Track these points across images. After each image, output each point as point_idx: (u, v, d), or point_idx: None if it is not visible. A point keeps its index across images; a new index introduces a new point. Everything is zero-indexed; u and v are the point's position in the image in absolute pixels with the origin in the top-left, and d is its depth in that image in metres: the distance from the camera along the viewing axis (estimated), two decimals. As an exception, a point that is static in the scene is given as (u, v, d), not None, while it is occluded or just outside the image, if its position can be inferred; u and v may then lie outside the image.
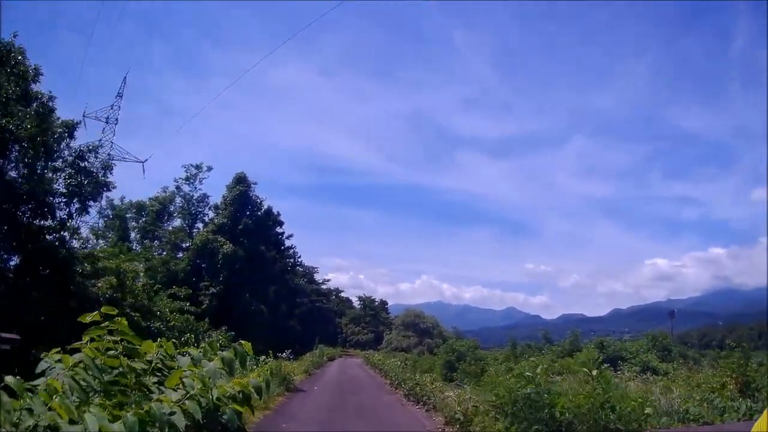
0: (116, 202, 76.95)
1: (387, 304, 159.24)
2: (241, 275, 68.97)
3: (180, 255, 72.49)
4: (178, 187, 79.91)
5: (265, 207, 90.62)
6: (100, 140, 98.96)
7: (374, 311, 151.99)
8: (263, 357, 32.61)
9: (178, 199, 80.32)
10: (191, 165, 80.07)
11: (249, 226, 72.99)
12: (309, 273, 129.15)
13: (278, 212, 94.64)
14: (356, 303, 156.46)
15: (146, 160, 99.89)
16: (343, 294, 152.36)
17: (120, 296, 29.58)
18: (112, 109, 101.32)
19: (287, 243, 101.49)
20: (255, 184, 77.89)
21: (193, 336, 31.72)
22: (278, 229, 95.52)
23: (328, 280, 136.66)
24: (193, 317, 35.26)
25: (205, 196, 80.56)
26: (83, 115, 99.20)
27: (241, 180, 75.83)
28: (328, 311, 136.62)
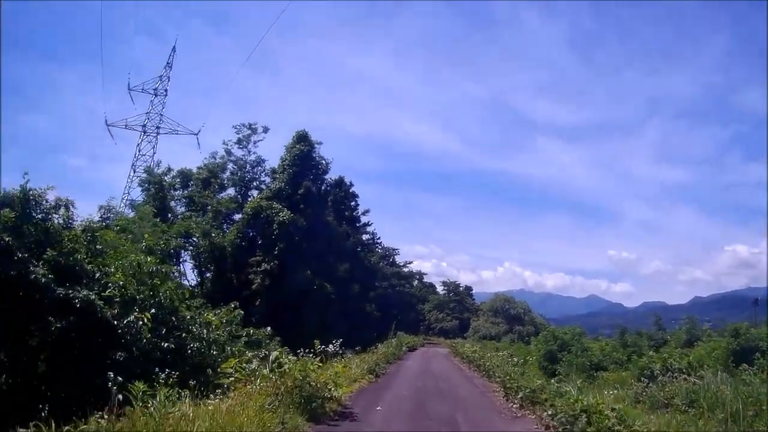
0: (156, 170, 64.35)
1: (472, 290, 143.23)
2: (300, 248, 54.99)
3: (229, 228, 59.21)
4: (228, 151, 66.42)
5: (336, 177, 77.18)
6: (148, 113, 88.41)
7: (459, 297, 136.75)
8: (282, 352, 17.79)
9: (230, 166, 66.94)
10: (243, 125, 66.34)
11: (311, 192, 58.83)
12: (389, 254, 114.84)
13: (350, 182, 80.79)
14: (440, 288, 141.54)
15: (199, 131, 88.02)
16: (425, 279, 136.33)
17: (17, 243, 15.47)
18: (161, 80, 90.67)
19: (363, 219, 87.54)
20: (320, 144, 63.58)
21: (172, 316, 17.35)
22: (352, 204, 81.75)
23: (410, 263, 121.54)
24: (174, 285, 20.20)
25: (260, 161, 66.82)
26: (129, 89, 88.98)
27: (302, 138, 61.58)
28: (410, 296, 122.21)
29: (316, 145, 62.55)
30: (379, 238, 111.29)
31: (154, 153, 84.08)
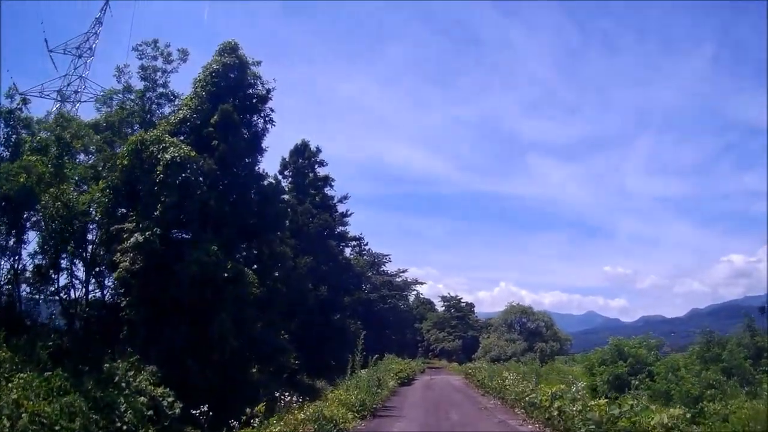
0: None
1: (474, 306, 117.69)
2: (206, 209, 29.81)
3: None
4: (127, 86, 41.13)
5: (299, 141, 53.21)
6: (66, 75, 67.26)
7: (461, 313, 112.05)
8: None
9: (132, 106, 41.49)
10: (146, 44, 40.90)
11: (232, 121, 33.20)
12: (378, 261, 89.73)
13: (318, 148, 56.31)
14: (439, 306, 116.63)
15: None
16: (420, 291, 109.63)
17: None
18: (87, 39, 69.58)
19: (341, 208, 62.93)
20: (258, 63, 37.99)
21: None
22: (321, 181, 57.32)
23: (405, 271, 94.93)
24: None
25: (171, 96, 41.32)
26: (48, 50, 69.65)
27: (229, 51, 36.37)
28: (405, 312, 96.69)
29: (252, 66, 37.37)
30: (366, 243, 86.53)
31: (73, 121, 61.90)
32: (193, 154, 29.96)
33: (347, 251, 66.12)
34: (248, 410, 14.67)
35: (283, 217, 35.72)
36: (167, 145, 29.90)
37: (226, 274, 27.60)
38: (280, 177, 54.96)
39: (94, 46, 69.43)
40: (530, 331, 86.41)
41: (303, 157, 54.70)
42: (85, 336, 29.95)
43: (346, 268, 55.88)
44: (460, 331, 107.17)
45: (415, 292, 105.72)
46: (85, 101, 65.80)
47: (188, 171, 29.04)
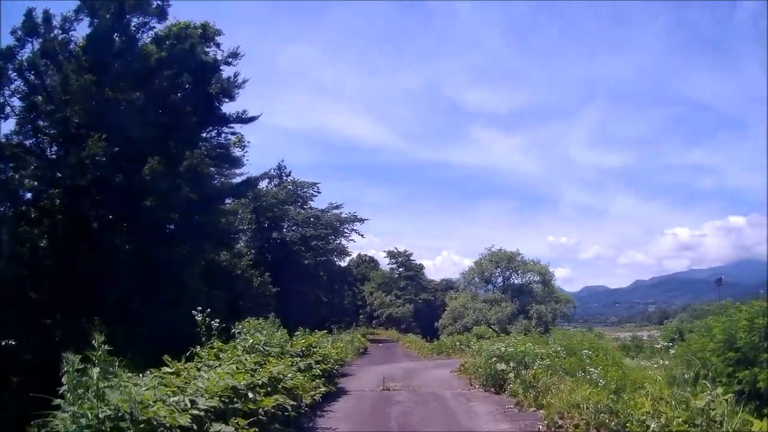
0: None
1: (423, 267, 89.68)
2: None
3: None
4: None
5: None
6: None
7: (412, 272, 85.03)
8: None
9: None
10: None
11: None
12: (302, 193, 61.36)
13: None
14: (385, 264, 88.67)
15: None
16: (360, 231, 75.62)
17: None
18: None
19: (227, 73, 34.53)
20: None
21: None
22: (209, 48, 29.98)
23: (339, 207, 64.42)
24: None
25: None
26: None
27: None
28: (341, 268, 68.10)
29: None
30: (289, 173, 59.53)
31: None
32: None
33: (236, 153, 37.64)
34: None
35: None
36: None
37: None
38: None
39: None
40: (516, 289, 59.67)
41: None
42: None
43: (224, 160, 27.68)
44: (410, 294, 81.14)
45: (354, 231, 72.05)
46: None
47: None
